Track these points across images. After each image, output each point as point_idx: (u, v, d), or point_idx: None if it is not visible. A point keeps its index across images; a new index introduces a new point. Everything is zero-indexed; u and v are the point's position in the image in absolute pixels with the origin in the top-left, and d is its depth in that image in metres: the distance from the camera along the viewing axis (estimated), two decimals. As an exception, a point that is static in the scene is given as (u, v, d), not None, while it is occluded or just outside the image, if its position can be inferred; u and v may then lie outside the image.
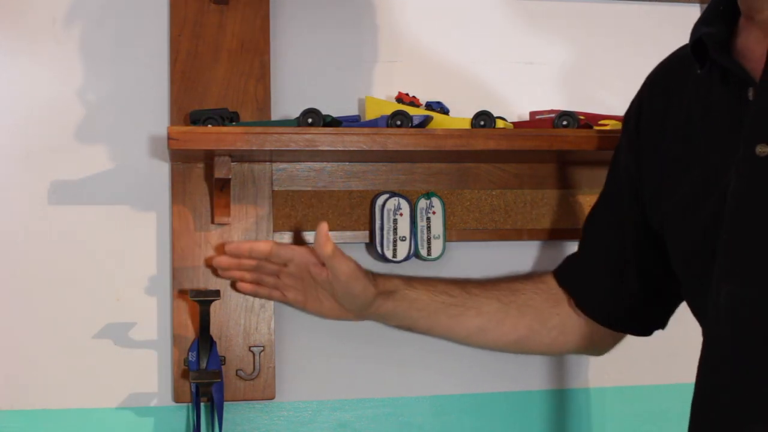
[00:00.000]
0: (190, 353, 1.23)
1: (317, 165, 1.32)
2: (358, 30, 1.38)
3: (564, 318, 1.18)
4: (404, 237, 1.31)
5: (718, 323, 0.88)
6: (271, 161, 1.30)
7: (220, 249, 1.26)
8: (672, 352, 1.43)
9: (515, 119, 1.37)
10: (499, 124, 1.25)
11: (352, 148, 1.17)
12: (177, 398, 1.27)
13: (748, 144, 0.86)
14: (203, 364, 1.21)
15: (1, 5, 1.28)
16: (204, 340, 1.21)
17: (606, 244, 1.14)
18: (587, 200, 1.38)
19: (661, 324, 1.15)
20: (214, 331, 1.25)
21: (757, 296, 0.84)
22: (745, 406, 0.84)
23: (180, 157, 1.24)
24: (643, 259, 1.09)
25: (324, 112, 1.18)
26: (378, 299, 1.18)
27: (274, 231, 1.30)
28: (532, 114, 1.33)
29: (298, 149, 1.16)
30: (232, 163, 1.22)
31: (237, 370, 1.27)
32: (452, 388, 1.38)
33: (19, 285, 1.26)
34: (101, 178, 1.29)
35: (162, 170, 1.30)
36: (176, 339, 1.27)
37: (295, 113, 1.24)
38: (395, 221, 1.31)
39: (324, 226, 1.11)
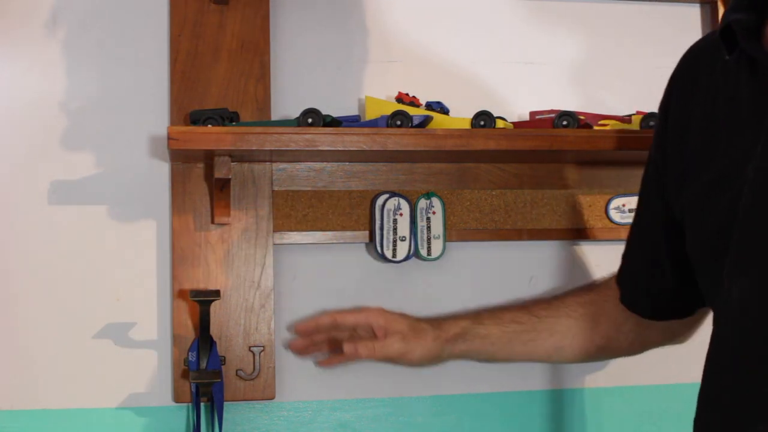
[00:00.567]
0: (190, 353, 1.23)
1: (317, 165, 1.32)
2: (358, 30, 1.38)
3: (638, 319, 1.17)
4: (404, 237, 1.31)
5: (727, 319, 0.87)
6: (271, 161, 1.30)
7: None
8: (672, 353, 1.43)
9: (515, 119, 1.37)
10: (499, 124, 1.25)
11: (352, 148, 1.17)
12: (177, 398, 1.27)
13: (767, 137, 0.84)
14: (203, 364, 1.21)
15: (1, 4, 1.28)
16: (204, 340, 1.21)
17: (643, 243, 1.13)
18: (587, 200, 1.38)
19: (683, 313, 1.13)
20: (214, 331, 1.25)
21: (767, 293, 0.83)
22: (747, 405, 0.83)
23: (180, 157, 1.24)
24: (675, 250, 1.07)
25: (324, 112, 1.18)
26: (446, 347, 1.21)
27: (274, 231, 1.30)
28: (532, 114, 1.33)
29: (298, 149, 1.16)
30: (232, 163, 1.22)
31: (237, 370, 1.27)
32: (452, 388, 1.38)
33: (19, 285, 1.26)
34: (101, 178, 1.29)
35: (162, 170, 1.30)
36: (176, 339, 1.27)
37: (295, 113, 1.24)
38: (395, 221, 1.31)
39: (350, 347, 1.19)
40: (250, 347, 1.28)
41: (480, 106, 1.29)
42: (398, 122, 1.20)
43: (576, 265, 1.41)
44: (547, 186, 1.38)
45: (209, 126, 1.16)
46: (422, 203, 1.33)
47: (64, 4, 1.29)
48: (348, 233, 1.32)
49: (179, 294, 1.27)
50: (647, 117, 1.23)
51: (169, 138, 1.12)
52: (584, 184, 1.39)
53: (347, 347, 1.19)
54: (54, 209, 1.28)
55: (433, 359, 1.22)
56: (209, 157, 1.21)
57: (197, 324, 1.23)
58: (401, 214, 1.32)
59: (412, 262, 1.33)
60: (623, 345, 1.19)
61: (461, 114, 1.29)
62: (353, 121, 1.23)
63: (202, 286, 1.27)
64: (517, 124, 1.30)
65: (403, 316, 1.24)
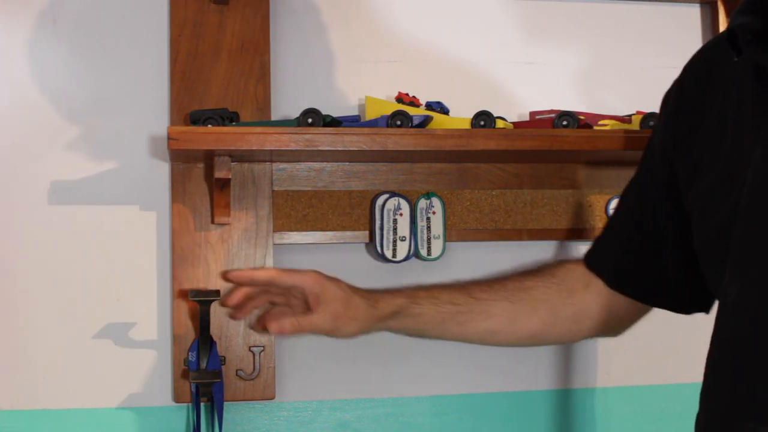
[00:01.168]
0: (190, 353, 1.23)
1: (317, 165, 1.32)
2: (358, 30, 1.38)
3: (579, 307, 1.16)
4: (404, 237, 1.31)
5: (726, 319, 0.87)
6: (271, 161, 1.30)
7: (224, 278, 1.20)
8: (672, 353, 1.43)
9: (515, 119, 1.37)
10: (499, 124, 1.25)
11: (352, 148, 1.17)
12: (177, 398, 1.28)
13: (766, 141, 0.84)
14: (203, 364, 1.21)
15: (1, 4, 1.28)
16: (204, 340, 1.21)
17: (639, 222, 1.11)
18: (587, 200, 1.38)
19: (703, 307, 1.13)
20: (214, 331, 1.25)
21: (763, 295, 0.83)
22: (742, 403, 0.84)
23: (180, 157, 1.24)
24: (678, 236, 1.06)
25: (324, 112, 1.18)
26: (378, 324, 1.17)
27: (274, 231, 1.30)
28: (532, 114, 1.33)
29: (298, 149, 1.16)
30: (232, 163, 1.22)
31: (237, 370, 1.27)
32: (452, 388, 1.38)
33: (20, 285, 1.26)
34: (101, 178, 1.29)
35: (162, 170, 1.30)
36: (176, 339, 1.27)
37: (295, 113, 1.24)
38: (395, 221, 1.31)
39: (245, 273, 1.12)
40: (250, 347, 1.28)
41: (480, 106, 1.29)
42: (398, 122, 1.20)
43: (576, 265, 1.41)
44: (547, 186, 1.38)
45: (209, 126, 1.16)
46: (422, 203, 1.33)
47: (64, 4, 1.29)
48: (348, 233, 1.32)
49: (179, 294, 1.27)
50: (647, 117, 1.23)
51: (169, 138, 1.12)
52: (584, 184, 1.39)
53: (273, 325, 1.10)
54: (54, 209, 1.28)
55: (362, 334, 1.17)
56: (209, 157, 1.21)
57: (197, 324, 1.23)
58: (401, 214, 1.32)
59: (412, 262, 1.33)
60: (559, 331, 1.18)
61: (461, 114, 1.29)
62: (353, 121, 1.23)
63: (202, 286, 1.27)
64: (517, 124, 1.30)
65: (339, 286, 1.16)
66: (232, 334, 1.28)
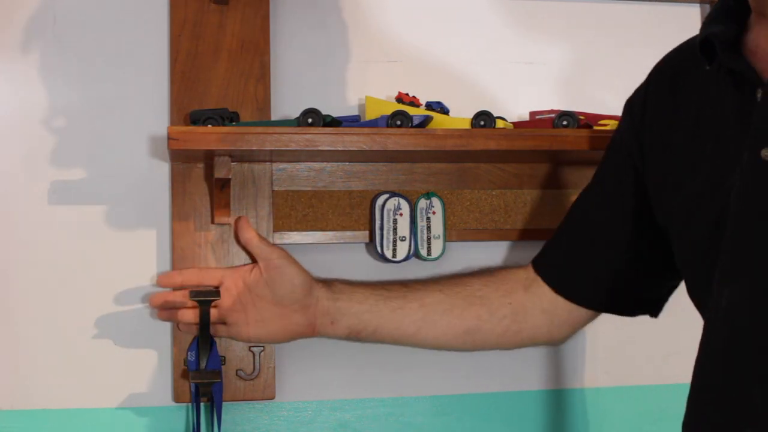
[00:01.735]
0: (189, 353, 1.23)
1: (317, 165, 1.32)
2: (359, 30, 1.38)
3: (516, 307, 1.17)
4: (404, 237, 1.31)
5: (717, 325, 0.87)
6: (271, 161, 1.30)
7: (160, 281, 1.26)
8: (672, 353, 1.43)
9: (515, 119, 1.37)
10: (499, 124, 1.25)
11: (352, 148, 1.17)
12: (177, 398, 1.28)
13: (753, 147, 0.84)
14: (203, 364, 1.21)
15: (1, 5, 1.27)
16: (204, 340, 1.21)
17: (593, 224, 1.13)
18: (587, 200, 1.38)
19: (651, 309, 1.14)
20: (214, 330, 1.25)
21: (756, 301, 0.83)
22: (735, 410, 0.84)
23: (180, 157, 1.24)
24: (635, 242, 1.08)
25: (324, 112, 1.18)
26: (316, 288, 1.19)
27: (274, 231, 1.30)
28: (532, 114, 1.33)
29: (298, 149, 1.16)
30: (232, 163, 1.22)
31: (237, 370, 1.27)
32: (452, 388, 1.38)
33: (19, 285, 1.26)
34: (101, 178, 1.29)
35: (162, 170, 1.30)
36: (176, 339, 1.27)
37: (295, 113, 1.24)
38: (395, 221, 1.31)
39: (243, 218, 1.23)
40: (250, 347, 1.28)
41: (480, 106, 1.29)
42: (398, 122, 1.20)
43: (576, 265, 1.41)
44: (547, 186, 1.38)
45: (209, 126, 1.16)
46: (422, 203, 1.33)
47: (64, 4, 1.29)
48: (348, 233, 1.32)
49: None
50: (647, 117, 1.23)
51: (169, 138, 1.12)
52: (584, 184, 1.38)
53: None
54: (54, 209, 1.28)
55: (304, 297, 1.18)
56: (209, 157, 1.21)
57: (197, 324, 1.23)
58: (401, 214, 1.32)
59: (412, 262, 1.33)
60: (496, 330, 1.18)
61: (461, 114, 1.29)
62: (353, 121, 1.23)
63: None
64: (517, 124, 1.30)
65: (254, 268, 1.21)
66: (232, 334, 1.28)
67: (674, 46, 1.06)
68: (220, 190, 1.22)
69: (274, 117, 1.31)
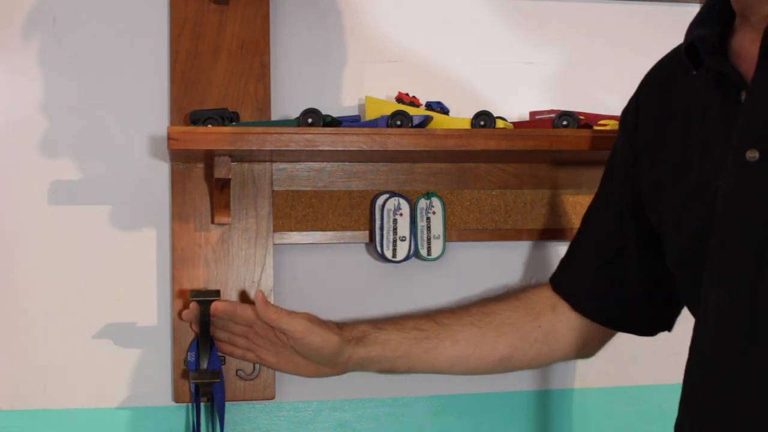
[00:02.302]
0: (189, 353, 1.23)
1: (317, 165, 1.32)
2: (358, 30, 1.38)
3: (546, 329, 1.17)
4: (404, 237, 1.31)
5: (706, 328, 0.88)
6: (271, 161, 1.30)
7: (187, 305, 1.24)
8: (672, 353, 1.43)
9: (515, 119, 1.37)
10: (499, 124, 1.25)
11: (352, 148, 1.17)
12: (177, 398, 1.28)
13: (738, 148, 0.85)
14: (203, 364, 1.21)
15: (1, 5, 1.27)
16: (204, 340, 1.21)
17: (603, 241, 1.13)
18: (587, 200, 1.37)
19: (666, 325, 1.14)
20: (214, 331, 1.25)
21: (744, 303, 0.83)
22: (726, 412, 0.84)
23: (180, 157, 1.24)
24: (643, 256, 1.08)
25: (324, 112, 1.18)
26: (347, 347, 1.16)
27: (274, 231, 1.30)
28: (532, 114, 1.33)
29: (298, 149, 1.16)
30: (232, 163, 1.22)
31: (237, 370, 1.27)
32: (452, 388, 1.38)
33: (20, 285, 1.26)
34: (101, 178, 1.29)
35: (162, 170, 1.30)
36: (176, 339, 1.27)
37: (295, 113, 1.24)
38: (395, 221, 1.31)
39: (259, 294, 1.14)
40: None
41: (480, 106, 1.29)
42: (398, 122, 1.20)
43: (576, 265, 1.41)
44: (547, 186, 1.38)
45: (209, 126, 1.16)
46: (422, 203, 1.33)
47: (63, 4, 1.29)
48: (348, 233, 1.32)
49: (179, 294, 1.27)
50: (647, 117, 1.23)
51: (169, 138, 1.12)
52: (585, 184, 1.39)
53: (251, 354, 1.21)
54: (54, 209, 1.28)
55: (332, 357, 1.16)
56: (209, 157, 1.21)
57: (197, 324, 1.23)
58: (401, 214, 1.32)
59: (412, 262, 1.33)
60: (529, 355, 1.18)
61: (461, 114, 1.29)
62: (353, 121, 1.23)
63: (202, 286, 1.27)
64: (517, 124, 1.30)
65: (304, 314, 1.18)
66: (232, 334, 1.28)
67: (674, 46, 1.07)
68: (220, 190, 1.22)
69: (274, 117, 1.31)
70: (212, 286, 1.27)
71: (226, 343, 1.23)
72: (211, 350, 1.22)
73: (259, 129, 1.15)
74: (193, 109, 1.23)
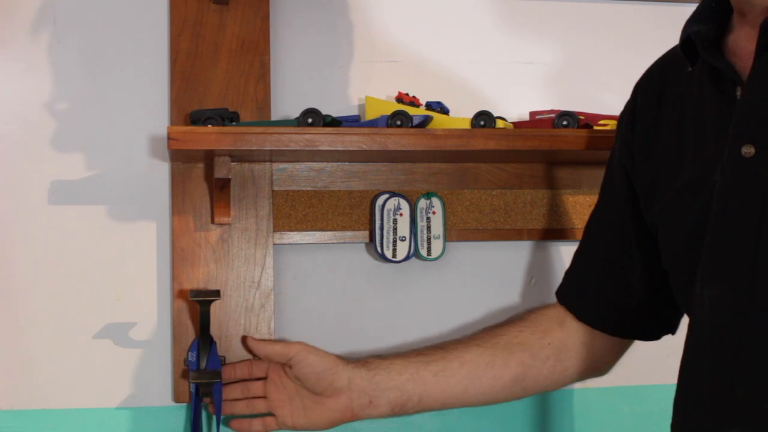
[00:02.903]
0: (189, 353, 1.23)
1: (317, 165, 1.32)
2: (358, 30, 1.38)
3: (557, 345, 1.15)
4: (404, 237, 1.31)
5: (701, 325, 0.87)
6: (271, 161, 1.30)
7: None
8: (672, 353, 1.43)
9: (515, 119, 1.37)
10: (499, 124, 1.25)
11: (352, 148, 1.17)
12: (177, 398, 1.28)
13: (733, 144, 0.85)
14: (203, 364, 1.21)
15: (1, 5, 1.27)
16: (204, 340, 1.21)
17: (606, 250, 1.12)
18: (588, 200, 1.38)
19: (670, 328, 1.13)
20: (214, 331, 1.25)
21: (739, 299, 0.83)
22: (721, 410, 0.84)
23: (180, 157, 1.24)
24: (646, 261, 1.07)
25: (324, 112, 1.18)
26: (347, 368, 1.16)
27: (274, 231, 1.30)
28: (532, 114, 1.33)
29: (298, 149, 1.16)
30: (232, 163, 1.22)
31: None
32: (452, 388, 1.38)
33: (20, 285, 1.26)
34: (101, 178, 1.29)
35: (162, 170, 1.30)
36: (176, 339, 1.27)
37: (295, 113, 1.24)
38: (395, 221, 1.31)
39: (248, 339, 1.24)
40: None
41: (480, 106, 1.29)
42: (398, 122, 1.20)
43: (576, 265, 1.41)
44: (547, 186, 1.38)
45: (209, 126, 1.16)
46: (422, 203, 1.33)
47: (64, 4, 1.29)
48: (348, 233, 1.32)
49: (179, 294, 1.27)
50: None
51: (169, 138, 1.12)
52: (584, 184, 1.39)
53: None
54: (54, 209, 1.28)
55: (334, 381, 1.15)
56: (209, 157, 1.21)
57: (197, 324, 1.23)
58: (401, 214, 1.32)
59: (412, 262, 1.33)
60: (543, 373, 1.16)
61: (461, 114, 1.29)
62: (353, 121, 1.23)
63: (202, 286, 1.27)
64: (517, 124, 1.30)
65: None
66: (232, 334, 1.28)
67: (674, 46, 1.07)
68: (220, 190, 1.22)
69: (274, 117, 1.31)
70: (212, 286, 1.27)
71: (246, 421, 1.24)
72: (210, 350, 1.22)
73: (259, 129, 1.15)
74: (193, 109, 1.23)
